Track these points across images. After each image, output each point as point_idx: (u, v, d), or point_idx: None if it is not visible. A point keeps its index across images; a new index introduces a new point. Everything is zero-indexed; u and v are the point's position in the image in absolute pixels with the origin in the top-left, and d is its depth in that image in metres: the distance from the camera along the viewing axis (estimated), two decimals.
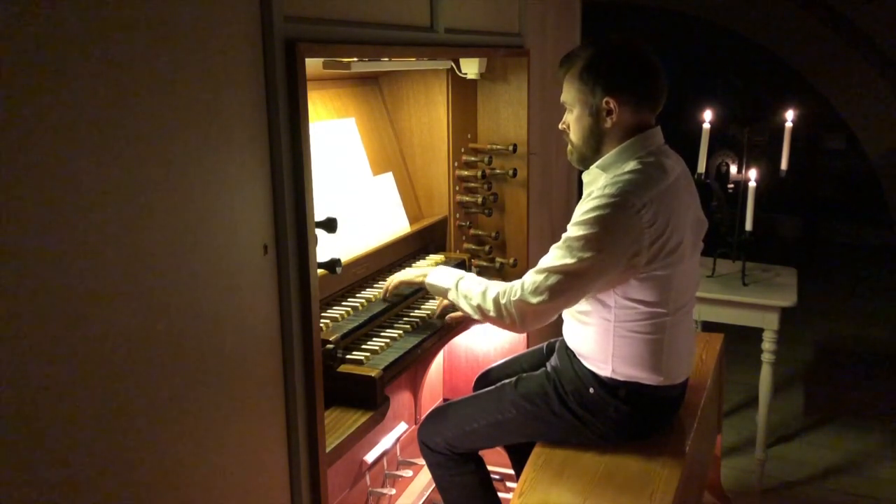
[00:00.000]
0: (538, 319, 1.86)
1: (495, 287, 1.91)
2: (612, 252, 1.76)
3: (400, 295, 2.19)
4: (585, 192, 1.91)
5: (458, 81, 2.57)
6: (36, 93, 0.99)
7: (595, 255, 1.75)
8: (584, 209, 1.79)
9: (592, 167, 1.92)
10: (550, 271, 1.80)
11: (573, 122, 1.94)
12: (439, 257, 2.54)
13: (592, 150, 1.92)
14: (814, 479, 3.29)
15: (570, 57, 1.93)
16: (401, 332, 2.06)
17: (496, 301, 1.88)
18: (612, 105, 1.85)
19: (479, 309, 1.92)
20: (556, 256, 1.80)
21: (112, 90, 1.10)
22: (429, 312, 2.21)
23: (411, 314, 2.21)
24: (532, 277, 1.83)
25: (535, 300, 1.81)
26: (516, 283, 1.86)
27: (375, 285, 2.24)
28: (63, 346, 1.05)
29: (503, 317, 1.88)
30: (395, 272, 2.36)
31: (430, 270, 2.10)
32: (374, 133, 2.50)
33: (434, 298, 2.28)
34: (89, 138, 1.07)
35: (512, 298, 1.85)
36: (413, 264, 2.46)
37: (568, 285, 1.79)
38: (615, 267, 1.78)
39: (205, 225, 1.29)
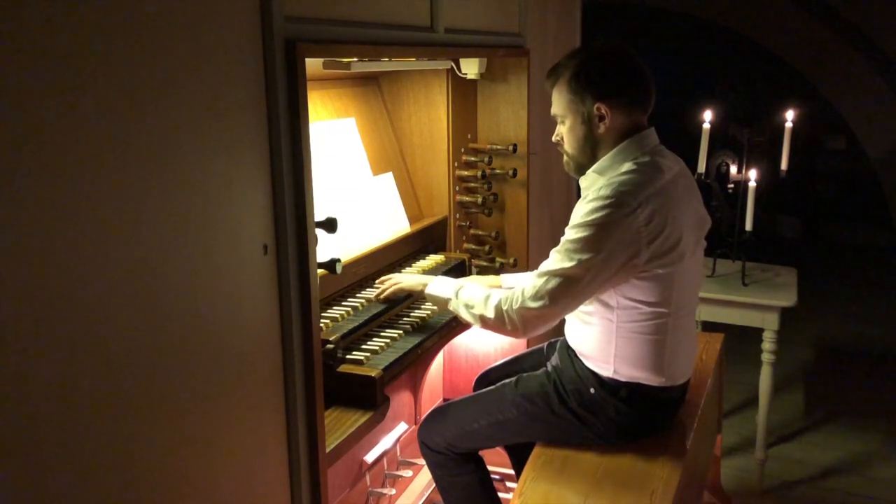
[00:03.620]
0: (540, 324, 1.85)
1: (497, 294, 1.90)
2: (610, 252, 1.76)
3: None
4: (583, 195, 1.91)
5: (458, 81, 2.57)
6: (37, 94, 0.99)
7: (594, 256, 1.75)
8: (580, 212, 1.80)
9: (589, 171, 1.93)
10: (551, 275, 1.80)
11: (566, 133, 1.94)
12: (439, 257, 2.55)
13: (588, 158, 1.93)
14: (814, 479, 3.29)
15: (555, 69, 1.93)
16: (401, 332, 2.06)
17: (498, 307, 1.87)
18: (603, 110, 1.86)
19: (481, 317, 1.91)
20: (556, 260, 1.80)
21: (112, 91, 1.10)
22: (429, 312, 2.21)
23: (411, 314, 2.21)
24: (533, 282, 1.83)
25: (536, 304, 1.81)
26: (517, 289, 1.86)
27: (375, 285, 2.24)
28: (63, 346, 1.05)
29: (504, 323, 1.87)
30: (395, 272, 2.36)
31: (429, 280, 2.09)
32: (374, 133, 2.50)
33: None
34: (90, 139, 1.07)
35: (514, 305, 1.84)
36: (413, 264, 2.46)
37: (568, 288, 1.79)
38: (615, 267, 1.78)
39: (205, 225, 1.29)
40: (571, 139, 1.93)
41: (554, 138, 2.00)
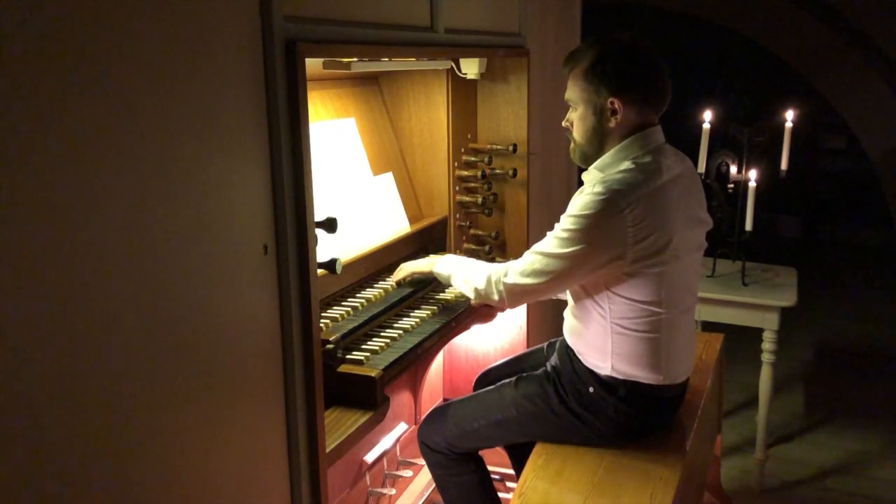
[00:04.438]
0: (524, 299, 2.00)
1: (490, 267, 2.01)
2: (595, 247, 1.80)
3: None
4: (581, 189, 1.92)
5: (458, 81, 2.57)
6: (38, 94, 0.99)
7: (580, 248, 1.80)
8: (576, 204, 1.84)
9: (591, 168, 1.93)
10: (540, 255, 1.88)
11: (577, 120, 1.94)
12: (439, 257, 2.54)
13: (595, 149, 1.93)
14: (814, 479, 3.29)
15: (575, 54, 1.92)
16: (401, 331, 2.06)
17: (489, 279, 1.98)
18: (616, 105, 1.85)
19: (476, 290, 2.02)
20: (548, 244, 1.87)
21: (112, 91, 1.10)
22: (428, 313, 2.21)
23: (411, 314, 2.21)
24: (524, 258, 1.92)
25: (522, 281, 1.91)
26: (509, 263, 1.97)
27: (375, 285, 2.25)
28: (63, 346, 1.05)
29: (492, 293, 1.97)
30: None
31: (437, 260, 2.20)
32: (374, 133, 2.50)
33: (434, 298, 2.30)
34: (90, 139, 1.07)
35: (503, 278, 1.95)
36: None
37: (552, 271, 1.86)
38: (599, 260, 1.82)
39: (205, 225, 1.29)
40: (581, 128, 1.94)
41: (564, 123, 2.01)
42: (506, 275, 1.94)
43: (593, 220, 1.78)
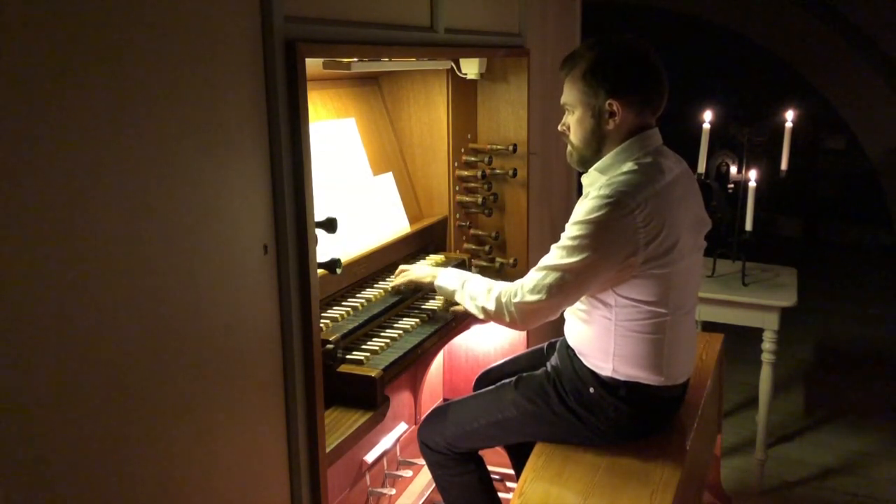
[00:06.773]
0: (537, 317, 1.89)
1: (498, 286, 1.95)
2: (607, 252, 1.77)
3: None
4: (584, 193, 1.91)
5: (458, 81, 2.57)
6: (37, 94, 0.99)
7: (591, 254, 1.77)
8: (581, 209, 1.81)
9: (591, 170, 1.93)
10: (549, 269, 1.83)
11: (574, 124, 1.93)
12: (439, 257, 2.54)
13: (593, 152, 1.92)
14: (814, 479, 3.29)
15: (572, 58, 1.92)
16: (401, 332, 2.06)
17: (498, 300, 1.91)
18: (615, 107, 1.85)
19: (483, 309, 1.96)
20: (555, 256, 1.83)
21: (113, 91, 1.10)
22: (428, 313, 2.21)
23: (412, 314, 2.21)
24: (531, 276, 1.87)
25: (533, 298, 1.84)
26: (518, 282, 1.90)
27: (375, 285, 2.24)
28: (63, 346, 1.05)
29: (504, 315, 1.91)
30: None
31: (438, 272, 2.13)
32: (374, 133, 2.50)
33: (435, 297, 2.29)
34: (90, 139, 1.07)
35: (513, 298, 1.88)
36: (413, 264, 2.46)
37: (565, 283, 1.81)
38: (611, 266, 1.79)
39: (205, 225, 1.29)
40: (578, 131, 1.92)
41: (560, 127, 1.99)
42: (515, 294, 1.87)
43: (603, 223, 1.75)
